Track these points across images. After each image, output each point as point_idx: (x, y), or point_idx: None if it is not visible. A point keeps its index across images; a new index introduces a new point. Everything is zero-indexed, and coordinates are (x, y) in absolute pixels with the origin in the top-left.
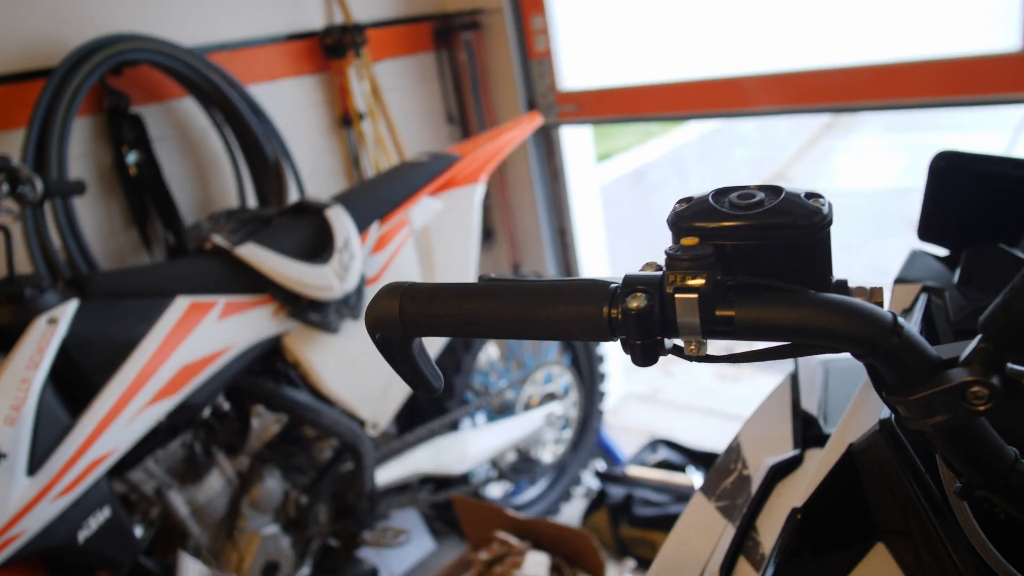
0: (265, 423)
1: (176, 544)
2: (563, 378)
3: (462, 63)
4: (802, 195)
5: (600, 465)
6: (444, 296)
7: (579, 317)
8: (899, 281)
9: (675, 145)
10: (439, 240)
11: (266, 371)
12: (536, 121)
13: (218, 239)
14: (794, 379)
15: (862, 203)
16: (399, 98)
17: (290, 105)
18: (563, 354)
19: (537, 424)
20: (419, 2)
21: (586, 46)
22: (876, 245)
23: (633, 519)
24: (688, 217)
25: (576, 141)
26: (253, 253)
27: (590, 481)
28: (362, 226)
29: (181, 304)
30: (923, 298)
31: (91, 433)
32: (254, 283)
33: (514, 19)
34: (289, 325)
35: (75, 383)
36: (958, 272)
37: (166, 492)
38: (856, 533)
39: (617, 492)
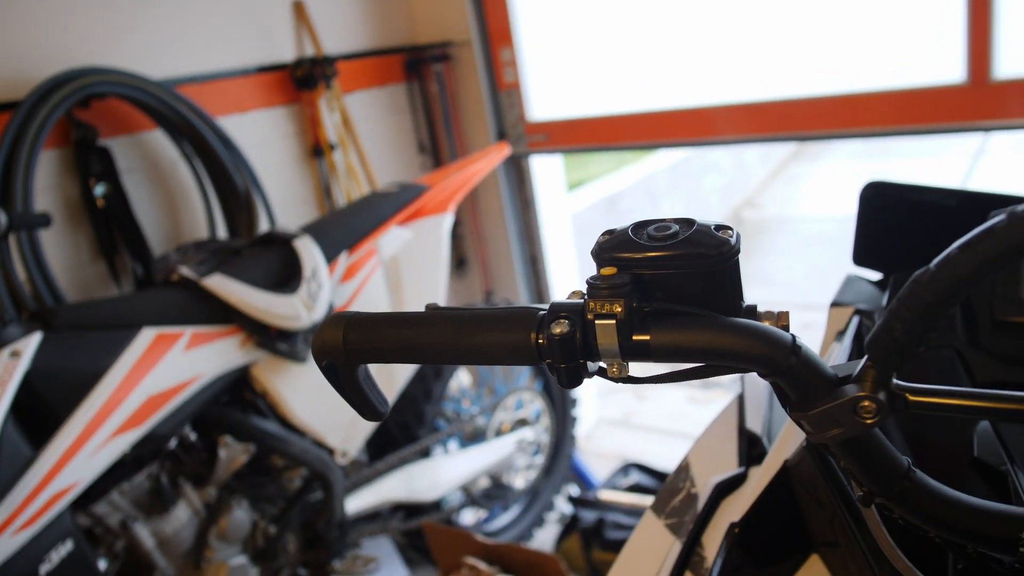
0: (233, 453)
1: None
2: (534, 404)
3: (433, 94)
4: (712, 227)
5: (573, 490)
6: (385, 324)
7: (509, 343)
8: (835, 304)
9: (647, 173)
10: (408, 269)
11: (234, 401)
12: (504, 151)
13: (185, 270)
14: (741, 400)
15: (830, 229)
16: (370, 129)
17: (261, 136)
18: (534, 380)
19: (509, 450)
20: (389, 35)
21: (554, 77)
22: (843, 269)
23: (605, 543)
24: (609, 248)
25: (546, 170)
26: (220, 284)
27: (563, 506)
28: (331, 256)
29: (147, 335)
30: (855, 320)
31: (54, 466)
32: (221, 313)
33: (483, 51)
34: (257, 355)
35: (38, 415)
36: (886, 295)
37: (131, 524)
38: (792, 546)
39: (589, 516)
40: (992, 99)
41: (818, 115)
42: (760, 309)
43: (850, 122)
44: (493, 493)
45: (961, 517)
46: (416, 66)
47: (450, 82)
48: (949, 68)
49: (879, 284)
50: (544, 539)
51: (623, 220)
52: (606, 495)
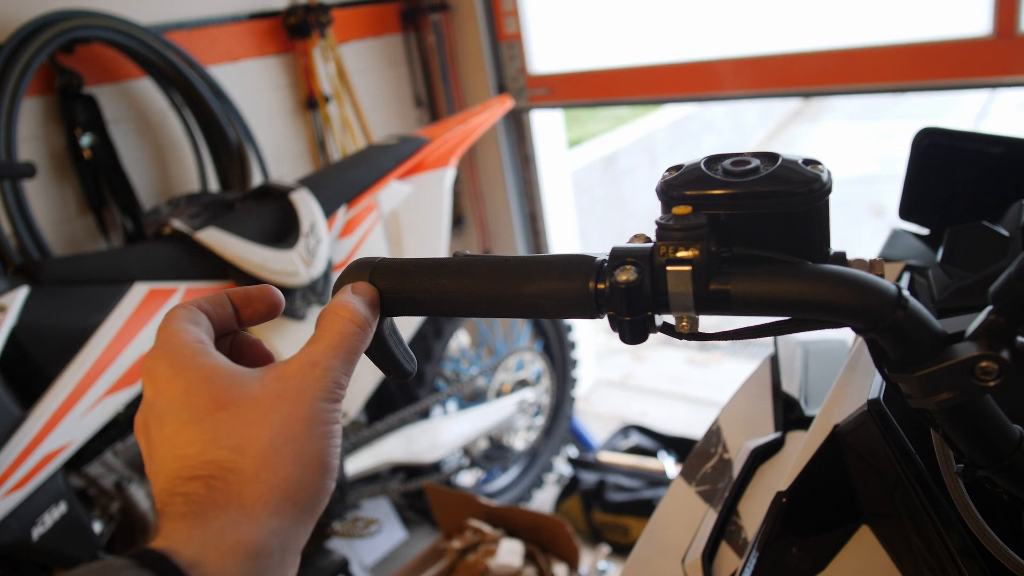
0: None
1: (138, 539)
2: (535, 364)
3: (430, 45)
4: (800, 161)
5: (572, 451)
6: (418, 272)
7: (563, 292)
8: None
9: (646, 132)
10: (408, 224)
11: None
12: (506, 104)
13: (178, 223)
14: (774, 361)
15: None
16: (366, 81)
17: (253, 87)
18: (535, 340)
19: (509, 411)
20: None
21: (557, 28)
22: (844, 233)
23: (606, 505)
24: (679, 185)
25: (547, 126)
26: (215, 238)
27: (562, 468)
28: (329, 210)
29: (139, 291)
30: (906, 276)
31: (44, 426)
32: (216, 269)
33: (483, 0)
34: None
35: (26, 374)
36: (941, 250)
37: (127, 485)
38: (841, 516)
39: (589, 478)
40: (1019, 52)
41: (827, 69)
42: (850, 256)
43: (859, 77)
44: (493, 454)
45: None
46: (413, 16)
47: (448, 33)
48: (973, 20)
49: (927, 239)
50: (543, 500)
51: (623, 180)
52: (606, 457)
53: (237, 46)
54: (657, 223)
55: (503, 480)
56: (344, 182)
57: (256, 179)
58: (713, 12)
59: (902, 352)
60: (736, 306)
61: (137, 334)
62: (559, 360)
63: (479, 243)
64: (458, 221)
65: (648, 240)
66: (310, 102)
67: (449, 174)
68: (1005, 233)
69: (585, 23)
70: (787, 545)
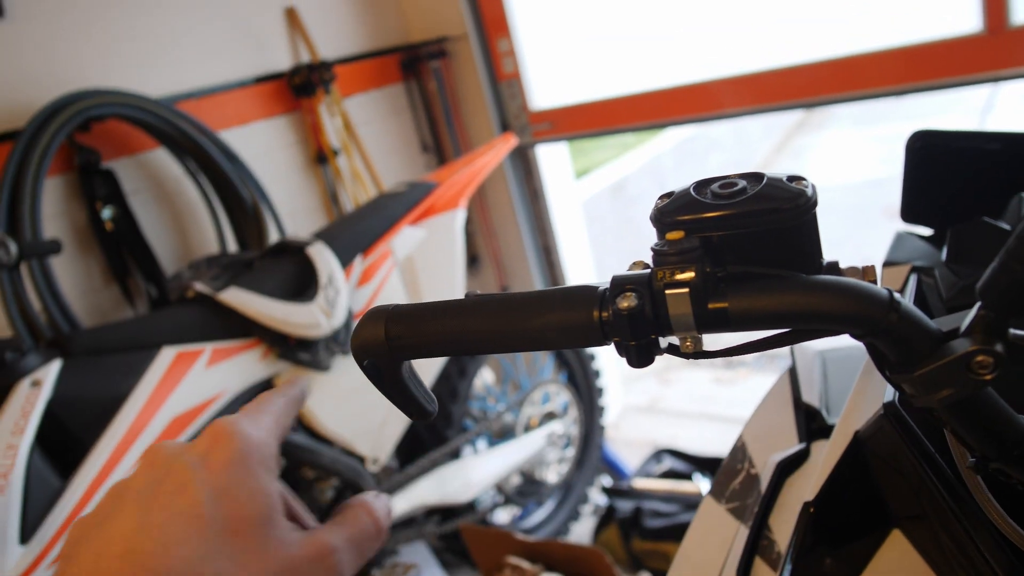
0: None
1: None
2: (561, 396)
3: (432, 91)
4: (784, 179)
5: (606, 480)
6: (430, 315)
7: (569, 323)
8: (887, 264)
9: (652, 156)
10: (424, 268)
11: None
12: (511, 142)
13: (200, 286)
14: (792, 372)
15: (839, 198)
16: (372, 131)
17: (264, 147)
18: (559, 372)
19: (539, 445)
20: (384, 35)
21: (554, 64)
22: (859, 237)
23: (644, 532)
24: (671, 211)
25: (553, 159)
26: (237, 297)
27: (597, 498)
28: (345, 261)
29: (167, 355)
30: (913, 278)
31: (84, 494)
32: (240, 327)
33: (480, 43)
34: (279, 366)
35: (64, 444)
36: (945, 250)
37: None
38: (871, 522)
39: (625, 506)
40: (1011, 46)
41: (823, 80)
42: (843, 265)
43: (855, 84)
44: (526, 489)
45: None
46: (413, 65)
47: (448, 78)
48: (963, 18)
49: (932, 240)
50: (581, 532)
51: (632, 205)
52: (640, 483)
53: (246, 109)
54: (653, 249)
55: (539, 515)
56: (358, 232)
57: (273, 236)
58: (706, 34)
59: (900, 353)
60: (735, 322)
61: (168, 396)
62: (585, 390)
63: (496, 280)
64: (473, 260)
65: (647, 266)
66: (320, 157)
67: (460, 215)
68: (1007, 227)
69: (581, 56)
70: (820, 555)
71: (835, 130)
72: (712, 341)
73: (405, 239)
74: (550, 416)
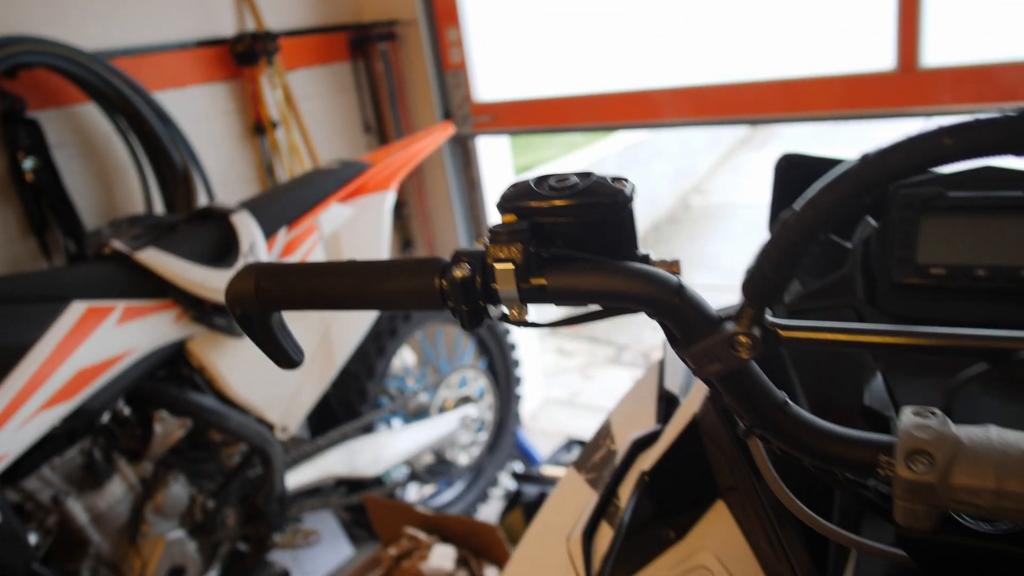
0: (169, 428)
1: (76, 551)
2: (478, 382)
3: (379, 73)
4: (609, 179)
5: (518, 467)
6: (295, 274)
7: (414, 288)
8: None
9: (598, 158)
10: (349, 246)
11: (170, 376)
12: (448, 131)
13: (117, 244)
14: (661, 364)
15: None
16: (315, 107)
17: (200, 112)
18: (479, 358)
19: (452, 426)
20: (334, 12)
21: (501, 58)
22: None
23: None
24: (511, 198)
25: (493, 151)
26: (154, 257)
27: (507, 482)
28: (269, 231)
29: (77, 309)
30: None
31: None
32: (155, 288)
33: (429, 31)
34: (193, 330)
35: None
36: None
37: (64, 500)
38: (700, 493)
39: (532, 491)
40: (920, 86)
41: (761, 99)
42: (654, 258)
43: (791, 107)
44: (437, 469)
45: (829, 444)
46: (361, 44)
47: (396, 61)
48: (881, 56)
49: None
50: (488, 514)
51: None
52: (548, 470)
53: (184, 72)
54: (489, 229)
55: (448, 495)
56: (285, 204)
57: (202, 203)
58: (654, 43)
59: (683, 332)
60: (552, 297)
61: (75, 349)
62: (503, 377)
63: None
64: (407, 244)
65: (486, 244)
66: (258, 127)
67: (389, 197)
68: (848, 245)
69: (529, 52)
70: (653, 519)
71: (776, 149)
72: (541, 314)
73: (332, 215)
74: (466, 400)
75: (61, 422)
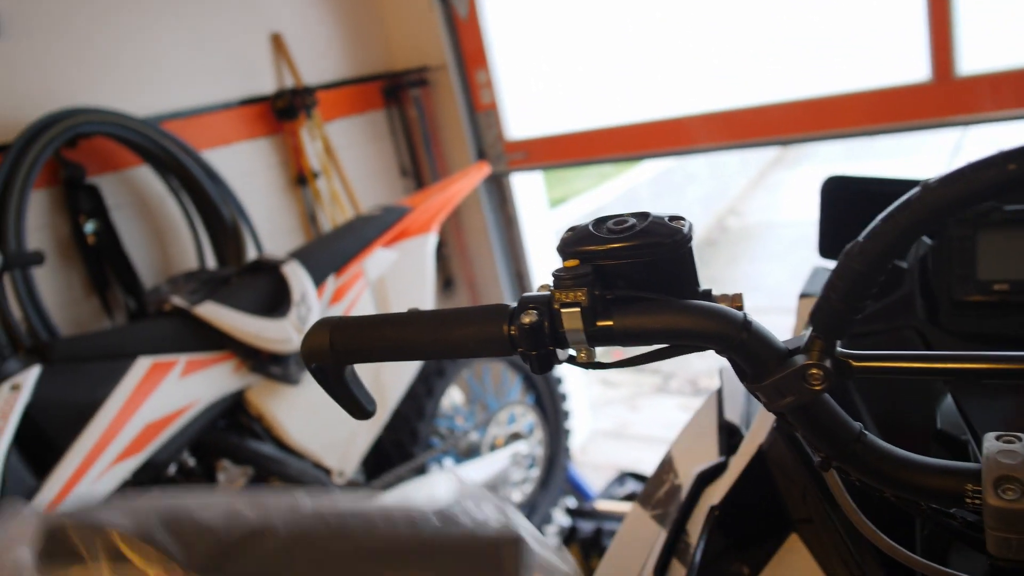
0: (231, 477)
1: None
2: (526, 418)
3: (412, 118)
4: (666, 219)
5: (571, 502)
6: (368, 326)
7: (484, 335)
8: (803, 296)
9: (629, 186)
10: (394, 289)
11: (231, 426)
12: (484, 170)
13: (177, 300)
14: (719, 394)
15: (811, 233)
16: (353, 155)
17: (245, 168)
18: (526, 394)
19: (503, 464)
20: (367, 62)
21: (531, 96)
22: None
23: (603, 552)
24: (571, 243)
25: (527, 187)
26: (212, 311)
27: (561, 518)
28: (318, 279)
29: (142, 364)
30: None
31: (58, 494)
32: (214, 340)
33: (459, 74)
34: (251, 379)
35: (40, 447)
36: None
37: None
38: (772, 526)
39: (587, 527)
40: (958, 95)
41: (793, 119)
42: (716, 293)
43: (824, 124)
44: None
45: (910, 474)
46: (395, 92)
47: (428, 106)
48: (914, 67)
49: None
50: None
51: None
52: (603, 505)
53: (229, 131)
54: (553, 274)
55: None
56: (332, 252)
57: (251, 254)
58: (681, 70)
59: (752, 367)
60: (619, 337)
61: (142, 404)
62: (551, 412)
63: (469, 303)
64: (448, 283)
65: (550, 289)
66: (300, 179)
67: (431, 239)
68: (904, 265)
69: (558, 88)
70: (725, 555)
71: (809, 167)
72: (606, 355)
73: (377, 260)
74: (516, 436)
75: (131, 475)
